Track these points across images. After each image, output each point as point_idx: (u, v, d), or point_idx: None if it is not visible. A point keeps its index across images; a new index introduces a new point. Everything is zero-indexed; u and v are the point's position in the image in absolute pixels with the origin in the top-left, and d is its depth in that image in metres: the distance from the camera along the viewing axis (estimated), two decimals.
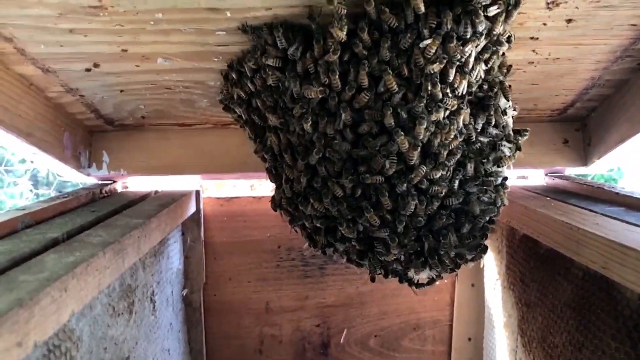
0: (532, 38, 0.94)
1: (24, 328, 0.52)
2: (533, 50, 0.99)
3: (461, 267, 1.44)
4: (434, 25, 0.79)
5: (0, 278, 0.62)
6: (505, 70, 0.94)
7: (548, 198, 1.15)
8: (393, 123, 0.83)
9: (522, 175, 1.44)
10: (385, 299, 1.53)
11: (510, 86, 0.94)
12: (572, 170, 1.36)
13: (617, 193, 1.09)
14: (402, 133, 0.82)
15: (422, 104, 0.82)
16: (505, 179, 0.95)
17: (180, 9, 0.82)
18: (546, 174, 1.39)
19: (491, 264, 1.40)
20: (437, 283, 1.49)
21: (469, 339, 1.56)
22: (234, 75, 0.99)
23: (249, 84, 0.97)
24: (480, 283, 1.49)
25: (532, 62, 1.03)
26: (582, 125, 1.31)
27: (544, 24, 0.90)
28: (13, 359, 0.50)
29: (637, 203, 1.03)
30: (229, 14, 0.84)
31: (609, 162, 1.27)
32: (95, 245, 0.78)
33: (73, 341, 0.70)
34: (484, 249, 0.95)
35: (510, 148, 0.93)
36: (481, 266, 1.46)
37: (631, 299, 0.79)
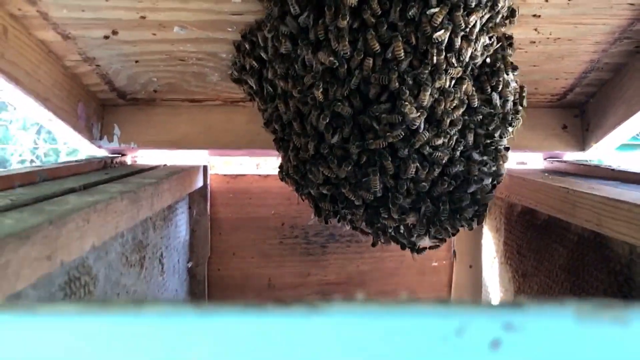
0: (534, 15, 0.98)
1: (53, 244, 0.56)
2: (535, 29, 1.03)
3: (460, 250, 1.49)
4: None
5: (27, 208, 0.65)
6: (508, 45, 0.98)
7: (546, 174, 1.19)
8: (398, 86, 0.87)
9: (521, 161, 1.48)
10: (385, 279, 1.57)
11: (512, 63, 0.98)
12: (570, 156, 1.40)
13: (613, 169, 1.13)
14: (409, 96, 0.85)
15: (427, 71, 0.86)
16: (507, 149, 0.99)
17: None
18: (545, 159, 1.43)
19: (489, 243, 1.44)
20: (436, 264, 1.53)
21: None
22: (246, 45, 1.03)
23: (262, 53, 1.00)
24: (478, 264, 1.52)
25: (534, 42, 1.07)
26: (581, 112, 1.36)
27: (546, 1, 0.94)
28: (42, 270, 0.54)
29: (632, 177, 1.07)
30: None
31: (606, 146, 1.31)
32: (112, 192, 0.82)
33: (91, 277, 0.74)
34: (483, 213, 0.99)
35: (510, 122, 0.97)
36: (480, 246, 1.49)
37: (622, 254, 0.83)
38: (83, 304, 0.25)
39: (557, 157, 1.41)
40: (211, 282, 1.50)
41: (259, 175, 1.50)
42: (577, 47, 1.09)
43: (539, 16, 0.99)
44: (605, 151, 1.33)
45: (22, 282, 0.53)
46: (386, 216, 0.97)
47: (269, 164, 1.51)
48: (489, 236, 1.42)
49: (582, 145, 1.36)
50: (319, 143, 0.97)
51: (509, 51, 0.97)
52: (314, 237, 1.52)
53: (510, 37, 0.99)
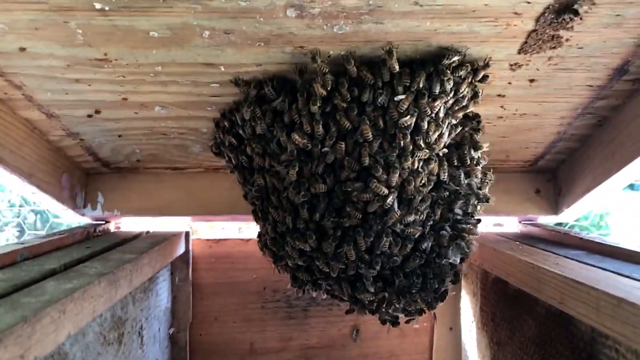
0: (499, 95, 1.03)
1: (27, 342, 0.58)
2: (501, 106, 1.08)
3: (440, 312, 1.50)
4: (407, 84, 0.88)
5: (4, 300, 0.67)
6: (475, 124, 1.03)
7: (517, 242, 1.23)
8: (370, 164, 0.91)
9: (498, 223, 1.52)
10: (366, 342, 1.57)
11: (478, 142, 1.02)
12: (544, 219, 1.44)
13: (581, 238, 1.16)
14: (382, 174, 0.89)
15: (395, 154, 0.90)
16: (478, 221, 1.02)
17: (178, 63, 0.90)
18: (520, 222, 1.47)
19: (467, 307, 1.46)
20: (417, 326, 1.54)
21: None
22: (225, 123, 1.07)
23: (240, 131, 1.04)
24: (458, 326, 1.54)
25: (501, 117, 1.12)
26: (553, 176, 1.40)
27: (509, 83, 0.99)
28: None
29: (597, 247, 1.11)
30: (222, 69, 0.92)
31: (578, 211, 1.35)
32: (91, 275, 0.84)
33: None
34: (445, 293, 1.01)
35: (478, 199, 1.01)
36: (459, 309, 1.51)
37: (585, 332, 0.86)
38: None
39: (531, 220, 1.45)
40: (193, 348, 1.50)
41: (241, 239, 1.52)
42: (543, 121, 1.14)
43: (504, 95, 1.04)
44: (587, 208, 1.36)
45: None
46: (362, 289, 0.99)
47: (251, 228, 1.54)
48: (467, 300, 1.44)
49: (555, 209, 1.40)
50: (295, 218, 1.00)
51: (476, 131, 1.02)
52: (295, 300, 1.53)
53: (477, 116, 1.04)
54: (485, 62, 0.90)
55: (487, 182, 1.05)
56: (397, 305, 1.00)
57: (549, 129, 1.17)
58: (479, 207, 1.02)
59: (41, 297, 0.69)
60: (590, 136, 1.19)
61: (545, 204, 1.40)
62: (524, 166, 1.38)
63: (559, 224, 1.50)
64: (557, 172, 1.38)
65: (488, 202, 1.03)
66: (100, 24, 0.79)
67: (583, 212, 1.36)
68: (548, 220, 1.44)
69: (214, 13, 0.77)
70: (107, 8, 0.76)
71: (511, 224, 1.50)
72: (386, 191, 0.91)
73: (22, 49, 0.85)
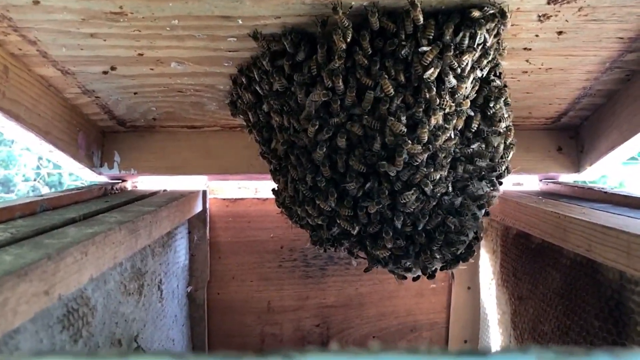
0: (525, 49, 1.00)
1: (51, 279, 0.58)
2: (527, 60, 1.04)
3: (458, 271, 1.50)
4: (431, 37, 0.85)
5: (27, 241, 0.67)
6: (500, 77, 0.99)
7: (540, 197, 1.21)
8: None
9: (517, 182, 1.50)
10: (383, 301, 1.58)
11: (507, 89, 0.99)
12: (565, 177, 1.41)
13: (606, 192, 1.14)
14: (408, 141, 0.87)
15: (422, 109, 0.88)
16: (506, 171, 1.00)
17: (195, 16, 0.88)
18: (540, 180, 1.44)
19: (486, 265, 1.45)
20: (434, 286, 1.55)
21: (465, 341, 1.61)
22: (243, 80, 1.05)
23: (257, 88, 1.02)
24: (476, 286, 1.53)
25: (526, 72, 1.09)
26: (576, 133, 1.37)
27: (537, 35, 0.96)
28: (40, 305, 0.55)
29: (623, 200, 1.08)
30: (240, 22, 0.89)
31: (601, 168, 1.33)
32: (111, 223, 0.84)
33: (89, 308, 0.75)
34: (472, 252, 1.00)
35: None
36: (477, 268, 1.50)
37: (613, 279, 0.84)
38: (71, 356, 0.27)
39: (552, 178, 1.43)
40: (210, 306, 1.51)
41: (258, 198, 1.51)
42: (569, 76, 1.10)
43: (530, 49, 1.00)
44: (609, 166, 1.33)
45: (20, 318, 0.55)
46: (382, 245, 0.99)
47: (267, 187, 1.53)
48: (486, 258, 1.44)
49: (577, 167, 1.37)
50: (315, 176, 0.98)
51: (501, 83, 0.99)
52: (312, 259, 1.53)
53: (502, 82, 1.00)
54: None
55: (510, 148, 1.02)
56: (417, 263, 0.99)
57: (575, 84, 1.14)
58: (503, 166, 0.99)
59: (64, 239, 0.70)
60: (617, 92, 1.16)
61: (567, 161, 1.38)
62: (545, 123, 1.35)
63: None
64: (580, 129, 1.35)
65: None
66: None
67: (605, 171, 1.33)
68: (569, 178, 1.41)
69: None
70: None
71: (531, 183, 1.48)
72: (419, 148, 0.88)
73: (36, 2, 0.83)
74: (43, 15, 0.87)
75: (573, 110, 1.27)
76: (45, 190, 3.95)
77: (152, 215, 0.97)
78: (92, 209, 0.98)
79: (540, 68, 1.07)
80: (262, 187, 1.52)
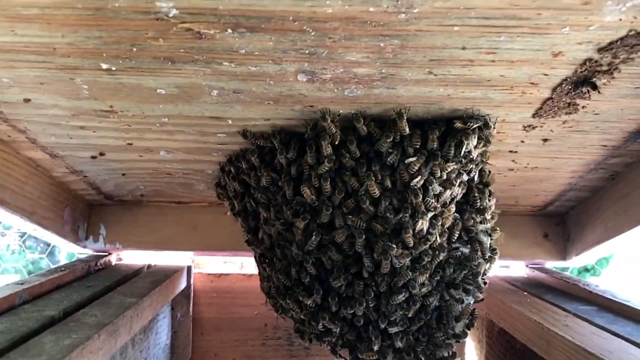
0: (511, 151, 1.01)
1: None
2: (513, 160, 1.06)
3: None
4: (417, 146, 0.86)
5: None
6: (486, 179, 1.00)
7: (525, 293, 1.20)
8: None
9: (505, 265, 1.49)
10: None
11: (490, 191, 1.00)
12: (551, 264, 1.42)
13: (590, 291, 1.14)
14: (393, 245, 0.87)
15: (408, 214, 0.88)
16: (485, 283, 1.00)
17: (185, 115, 0.88)
18: (527, 265, 1.44)
19: (472, 352, 1.43)
20: None
21: None
22: (231, 169, 1.05)
23: (245, 178, 1.02)
24: None
25: (512, 169, 1.10)
26: (562, 221, 1.38)
27: (522, 141, 0.97)
28: None
29: (607, 303, 1.08)
30: (230, 122, 0.90)
31: (586, 259, 1.33)
32: (90, 327, 0.83)
33: None
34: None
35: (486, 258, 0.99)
36: (463, 354, 1.49)
37: None
38: None
39: (539, 264, 1.43)
40: None
41: (243, 274, 1.50)
42: (554, 174, 1.11)
43: (516, 152, 1.01)
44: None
45: None
46: (367, 346, 0.97)
47: (253, 263, 1.51)
48: (472, 346, 1.42)
49: (564, 254, 1.37)
50: (300, 271, 0.98)
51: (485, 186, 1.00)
52: (297, 338, 1.50)
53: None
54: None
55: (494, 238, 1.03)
56: None
57: (560, 180, 1.15)
58: (487, 266, 0.99)
59: (38, 359, 0.68)
60: (602, 188, 1.17)
61: (553, 249, 1.38)
62: (532, 210, 1.36)
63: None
64: (566, 217, 1.36)
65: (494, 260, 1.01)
66: (106, 81, 0.78)
67: (591, 261, 1.34)
68: (555, 265, 1.41)
69: (223, 76, 0.75)
70: (113, 68, 0.74)
71: (518, 267, 1.48)
72: (400, 251, 0.89)
73: (27, 100, 0.84)
74: (34, 110, 0.87)
75: (559, 201, 1.28)
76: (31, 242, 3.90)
77: (134, 310, 0.96)
78: (73, 301, 0.96)
79: (526, 167, 1.08)
80: (248, 263, 1.51)
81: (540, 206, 1.32)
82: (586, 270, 3.37)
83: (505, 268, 1.50)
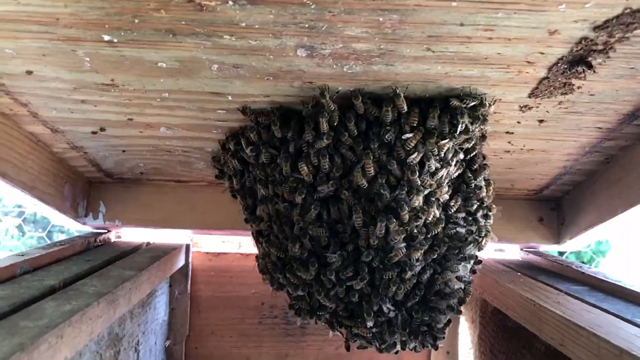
0: (507, 132, 1.02)
1: None
2: (509, 142, 1.07)
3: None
4: (414, 124, 0.87)
5: (2, 323, 0.67)
6: (482, 159, 1.02)
7: (519, 273, 1.22)
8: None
9: (499, 249, 1.51)
10: None
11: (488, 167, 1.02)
12: (546, 247, 1.43)
13: (583, 272, 1.16)
14: (393, 219, 0.89)
15: (404, 191, 0.89)
16: (479, 262, 1.02)
17: (186, 90, 0.89)
18: (521, 249, 1.46)
19: (465, 332, 1.45)
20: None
21: None
22: (231, 146, 1.06)
23: (244, 155, 1.03)
24: (455, 351, 1.53)
25: (508, 151, 1.11)
26: (557, 205, 1.39)
27: (518, 122, 0.98)
28: None
29: (599, 284, 1.10)
30: (230, 98, 0.91)
31: (581, 242, 1.34)
32: (90, 295, 0.84)
33: None
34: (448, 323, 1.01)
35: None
36: (457, 333, 1.51)
37: None
38: None
39: (533, 247, 1.44)
40: None
41: (241, 253, 1.51)
42: (550, 157, 1.13)
43: (512, 133, 1.03)
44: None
45: None
46: (359, 322, 0.99)
47: (250, 242, 1.53)
48: (465, 326, 1.44)
49: (557, 238, 1.39)
50: (299, 247, 0.99)
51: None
52: (293, 317, 1.52)
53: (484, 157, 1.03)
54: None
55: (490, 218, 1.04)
56: (396, 340, 0.99)
57: (556, 163, 1.16)
58: (483, 242, 1.01)
59: (39, 322, 0.70)
60: (597, 172, 1.18)
61: (548, 232, 1.40)
62: (528, 194, 1.37)
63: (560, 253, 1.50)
64: (561, 202, 1.38)
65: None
66: (108, 54, 0.78)
67: (585, 244, 1.35)
68: (550, 249, 1.43)
69: (224, 49, 0.76)
70: (115, 40, 0.75)
71: (512, 250, 1.50)
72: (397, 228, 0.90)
73: (29, 72, 0.85)
74: (36, 83, 0.88)
75: (554, 185, 1.29)
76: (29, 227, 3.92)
77: (132, 282, 0.97)
78: (73, 272, 0.97)
79: (522, 149, 1.09)
80: (246, 242, 1.53)
81: (535, 190, 1.34)
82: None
83: (500, 251, 1.51)
